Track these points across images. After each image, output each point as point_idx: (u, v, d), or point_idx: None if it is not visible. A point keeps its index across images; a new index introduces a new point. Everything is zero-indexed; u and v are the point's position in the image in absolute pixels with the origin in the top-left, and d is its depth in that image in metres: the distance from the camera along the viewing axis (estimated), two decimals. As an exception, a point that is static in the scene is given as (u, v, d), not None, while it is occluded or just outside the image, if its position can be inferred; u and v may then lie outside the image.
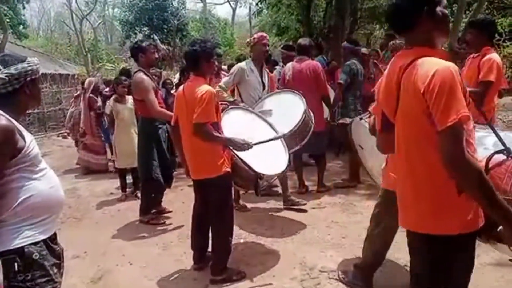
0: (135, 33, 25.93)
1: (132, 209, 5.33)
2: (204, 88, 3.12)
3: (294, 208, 4.81)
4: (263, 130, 3.85)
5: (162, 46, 17.59)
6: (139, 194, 5.70)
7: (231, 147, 3.26)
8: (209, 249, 3.54)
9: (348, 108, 5.50)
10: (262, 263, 3.62)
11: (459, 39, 10.03)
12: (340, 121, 5.47)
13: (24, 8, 25.69)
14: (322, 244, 3.94)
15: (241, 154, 3.33)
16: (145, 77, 4.49)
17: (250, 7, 24.48)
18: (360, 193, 5.38)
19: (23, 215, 1.78)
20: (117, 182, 5.91)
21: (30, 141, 1.81)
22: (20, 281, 1.75)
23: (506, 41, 12.80)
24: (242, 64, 4.48)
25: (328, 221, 4.51)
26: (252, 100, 4.41)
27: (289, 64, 5.28)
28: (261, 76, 4.50)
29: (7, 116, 1.74)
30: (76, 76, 15.66)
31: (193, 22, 29.01)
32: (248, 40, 4.52)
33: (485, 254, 3.54)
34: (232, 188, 3.48)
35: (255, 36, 4.41)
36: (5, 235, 1.75)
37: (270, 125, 3.95)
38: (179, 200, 5.40)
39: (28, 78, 1.84)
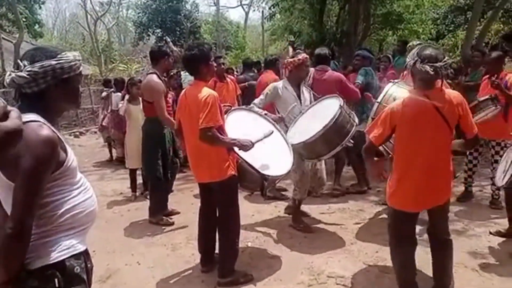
0: (148, 35, 26.22)
1: (141, 209, 5.36)
2: (207, 92, 3.12)
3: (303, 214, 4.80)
4: (265, 129, 3.78)
5: (175, 48, 17.72)
6: (148, 195, 5.76)
7: (237, 148, 3.24)
8: (217, 251, 3.55)
9: (367, 114, 5.40)
10: (269, 267, 3.63)
11: (473, 47, 9.99)
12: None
13: (40, 8, 26.05)
14: (330, 249, 3.93)
15: (246, 157, 3.32)
16: (158, 80, 4.54)
17: (263, 11, 24.57)
18: (369, 199, 5.36)
19: (62, 227, 1.63)
20: (127, 182, 5.96)
21: (70, 153, 1.65)
22: None
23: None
24: (277, 83, 4.41)
25: (337, 226, 4.50)
26: (291, 117, 4.24)
27: (311, 72, 5.13)
28: (298, 93, 4.35)
29: (49, 124, 1.57)
30: (89, 76, 15.82)
31: (206, 25, 29.23)
32: (291, 60, 4.35)
33: (495, 265, 3.52)
34: (238, 191, 3.46)
35: (300, 57, 4.29)
36: (42, 249, 1.58)
37: (274, 124, 3.91)
38: (188, 202, 5.42)
39: (59, 77, 1.61)
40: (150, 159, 4.75)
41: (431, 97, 2.63)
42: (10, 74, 1.58)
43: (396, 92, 3.66)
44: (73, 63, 1.64)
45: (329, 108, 3.89)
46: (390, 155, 3.04)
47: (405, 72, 4.49)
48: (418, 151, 2.68)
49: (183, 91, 3.47)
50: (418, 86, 2.70)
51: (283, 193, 5.47)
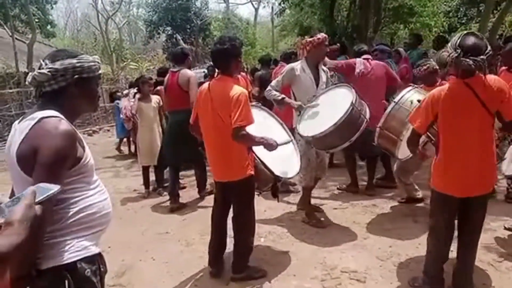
0: (159, 33, 26.35)
1: (155, 205, 5.42)
2: (238, 89, 3.03)
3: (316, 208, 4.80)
4: (275, 129, 3.80)
5: (185, 45, 17.83)
6: (162, 191, 5.83)
7: (256, 148, 3.22)
8: (228, 249, 3.55)
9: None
10: (282, 263, 3.64)
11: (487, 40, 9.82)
12: None
13: (52, 8, 26.35)
14: (343, 244, 3.92)
15: (263, 157, 3.30)
16: (192, 72, 5.37)
17: (272, 7, 24.54)
18: (382, 194, 5.32)
19: (76, 227, 1.62)
20: (140, 179, 6.02)
21: (87, 151, 1.68)
22: None
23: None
24: (294, 64, 4.35)
25: (350, 221, 4.49)
26: (306, 100, 4.20)
27: (361, 60, 5.22)
28: (316, 75, 4.28)
29: (67, 120, 1.59)
30: (101, 75, 15.98)
31: (216, 22, 29.23)
32: (308, 39, 4.28)
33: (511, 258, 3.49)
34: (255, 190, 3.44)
35: (319, 36, 4.22)
36: (55, 248, 1.56)
37: (281, 124, 3.89)
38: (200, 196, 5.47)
39: (77, 76, 1.64)
40: (177, 149, 5.08)
41: (472, 85, 2.64)
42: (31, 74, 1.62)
43: (413, 97, 3.70)
44: (92, 63, 1.70)
45: (341, 101, 3.85)
46: (433, 141, 3.03)
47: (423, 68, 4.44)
48: (459, 136, 2.72)
49: (206, 84, 3.32)
50: (459, 74, 2.69)
51: (292, 187, 5.51)
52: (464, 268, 2.96)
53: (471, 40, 2.54)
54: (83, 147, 1.65)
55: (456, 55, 2.54)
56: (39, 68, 1.63)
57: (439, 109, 2.73)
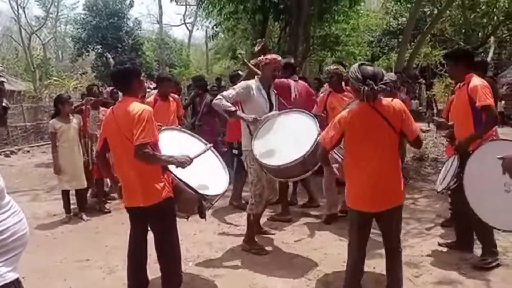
0: (88, 51, 25.46)
1: (76, 231, 5.10)
2: (140, 107, 2.90)
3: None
4: (199, 149, 3.52)
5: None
6: (84, 216, 5.51)
7: (174, 166, 3.03)
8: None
9: None
10: (212, 287, 3.56)
11: (404, 69, 10.65)
12: None
13: (-31, 20, 24.50)
14: (272, 265, 3.93)
15: (182, 176, 3.13)
16: None
17: (206, 30, 24.75)
18: (310, 215, 5.44)
19: None
20: (61, 203, 5.64)
21: None
22: None
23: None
24: (250, 81, 4.20)
25: (278, 242, 4.52)
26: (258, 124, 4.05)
27: (292, 82, 5.23)
28: (269, 97, 4.20)
29: None
30: (22, 93, 14.98)
31: (149, 42, 28.85)
32: (259, 58, 4.30)
33: (428, 273, 3.70)
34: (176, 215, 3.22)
35: (268, 57, 4.19)
36: None
37: (205, 143, 3.68)
38: (125, 221, 5.22)
39: None
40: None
41: (377, 106, 2.87)
42: None
43: None
44: None
45: (305, 129, 3.85)
46: (343, 160, 3.15)
47: None
48: (365, 153, 2.90)
49: (110, 108, 3.19)
50: (364, 99, 2.86)
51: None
52: (393, 283, 3.10)
53: (368, 68, 2.86)
54: None
55: (355, 80, 2.82)
56: None
57: (347, 128, 2.91)
